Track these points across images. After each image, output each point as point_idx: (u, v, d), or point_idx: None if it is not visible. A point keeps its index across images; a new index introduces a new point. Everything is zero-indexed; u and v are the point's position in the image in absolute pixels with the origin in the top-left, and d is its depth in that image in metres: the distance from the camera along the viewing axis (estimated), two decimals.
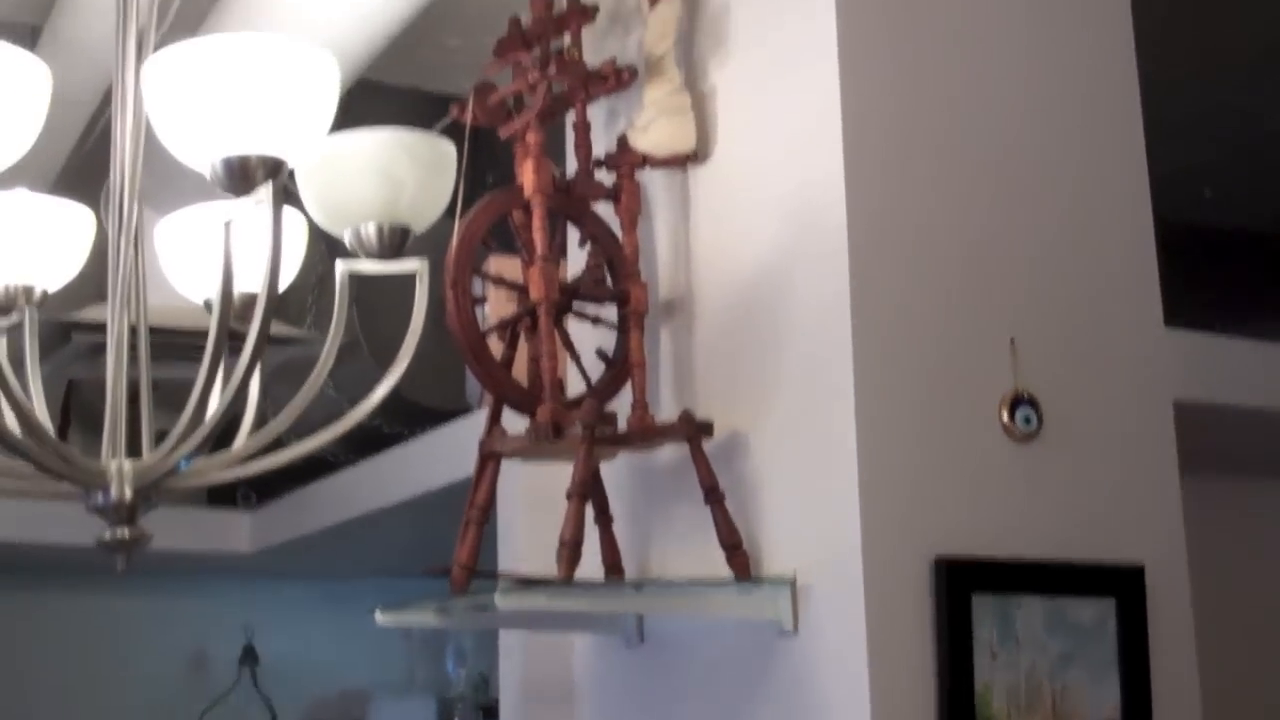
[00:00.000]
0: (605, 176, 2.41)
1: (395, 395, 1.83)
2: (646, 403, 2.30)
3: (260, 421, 1.82)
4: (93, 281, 1.94)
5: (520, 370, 2.34)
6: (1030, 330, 2.22)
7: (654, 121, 2.38)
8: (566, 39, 2.41)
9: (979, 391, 2.17)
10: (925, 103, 2.24)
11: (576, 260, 2.50)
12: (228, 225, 1.38)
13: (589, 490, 2.20)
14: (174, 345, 2.11)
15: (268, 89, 1.30)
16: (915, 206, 2.19)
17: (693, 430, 2.24)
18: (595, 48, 2.48)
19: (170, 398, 1.91)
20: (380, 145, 1.59)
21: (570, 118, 2.43)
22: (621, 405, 2.32)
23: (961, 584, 2.06)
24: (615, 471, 2.42)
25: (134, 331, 1.71)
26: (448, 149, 1.64)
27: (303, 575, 5.77)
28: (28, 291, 1.85)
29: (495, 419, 2.34)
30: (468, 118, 2.28)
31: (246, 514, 5.12)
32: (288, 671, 5.72)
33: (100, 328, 1.80)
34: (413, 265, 1.68)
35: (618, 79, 2.37)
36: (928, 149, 2.23)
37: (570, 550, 2.12)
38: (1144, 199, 2.39)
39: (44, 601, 5.50)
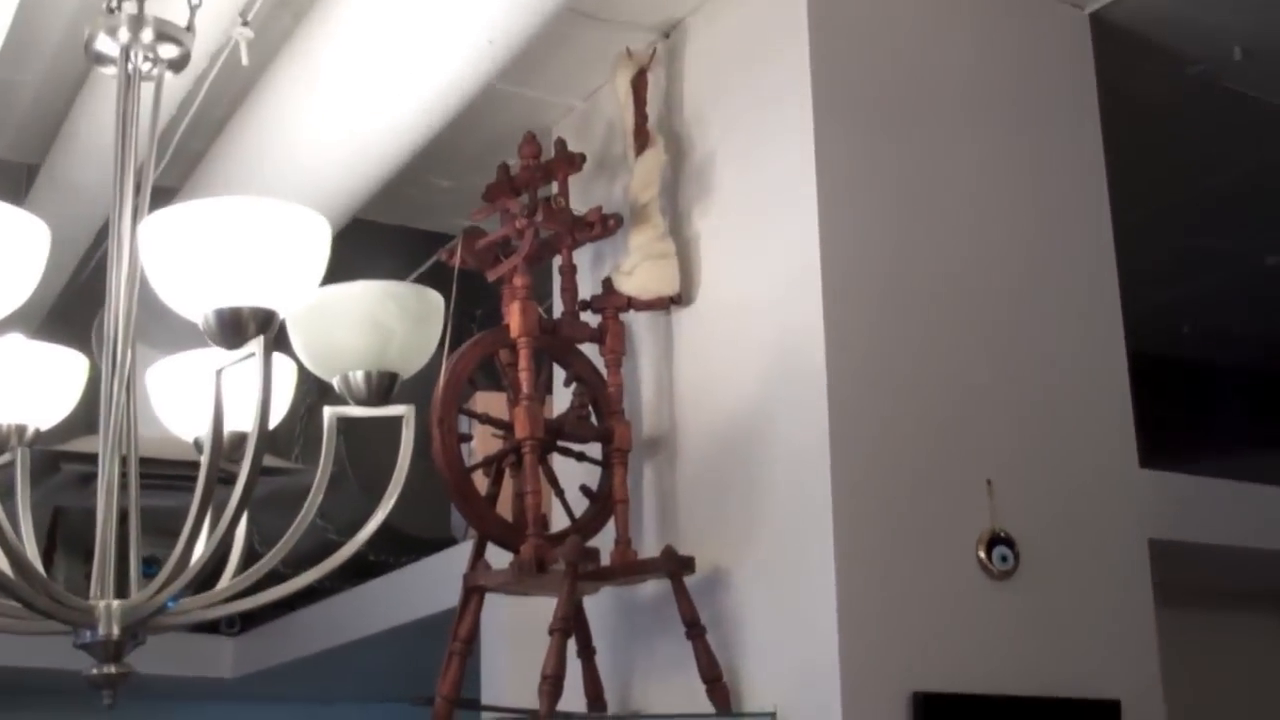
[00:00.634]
0: (591, 318, 2.47)
1: (382, 525, 1.85)
2: (629, 538, 2.34)
3: (247, 551, 1.84)
4: (83, 414, 1.97)
5: (505, 505, 2.38)
6: (1007, 471, 2.27)
7: (639, 266, 2.44)
8: (554, 186, 2.48)
9: (956, 530, 2.21)
10: (905, 248, 2.30)
11: (562, 398, 2.54)
12: (219, 374, 1.42)
13: (571, 625, 2.23)
14: (162, 475, 2.13)
15: (260, 247, 1.35)
16: (894, 349, 2.25)
17: (675, 566, 2.27)
18: (582, 194, 2.55)
19: (156, 523, 1.93)
20: (369, 295, 1.63)
21: (557, 262, 2.49)
22: (605, 540, 2.36)
23: (939, 718, 2.08)
24: (598, 605, 2.45)
25: (124, 461, 1.73)
26: (435, 299, 1.68)
27: (285, 699, 5.72)
28: (20, 431, 1.88)
29: (479, 553, 2.37)
30: (456, 261, 2.34)
31: (229, 640, 5.09)
32: None
33: (89, 458, 1.82)
34: (399, 410, 1.71)
35: (604, 226, 2.44)
36: (906, 293, 2.28)
37: (552, 685, 2.15)
38: (1118, 345, 2.45)
39: None
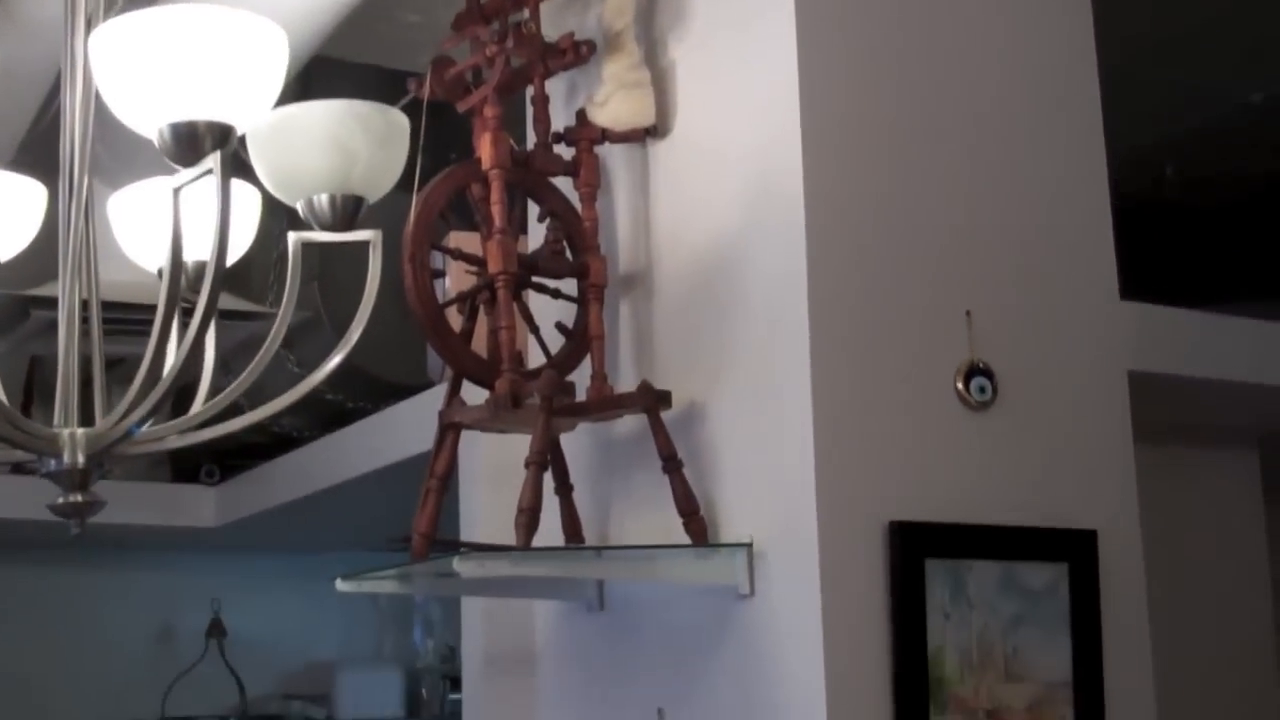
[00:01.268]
0: (564, 151, 2.42)
1: (358, 371, 1.84)
2: (605, 374, 2.32)
3: (217, 393, 1.83)
4: (52, 258, 1.94)
5: (480, 343, 2.36)
6: (986, 302, 2.25)
7: (613, 96, 2.39)
8: (525, 13, 2.42)
9: (935, 361, 2.20)
10: (883, 76, 2.26)
11: (536, 234, 2.51)
12: (176, 191, 1.39)
13: (547, 459, 2.22)
14: (132, 321, 2.11)
15: (215, 57, 1.31)
16: (872, 179, 2.21)
17: (651, 400, 2.26)
18: (554, 22, 2.49)
19: (130, 374, 1.91)
20: (332, 115, 1.60)
21: (529, 92, 2.44)
22: (581, 377, 2.34)
23: (914, 547, 2.09)
24: (575, 442, 2.44)
25: (86, 304, 1.71)
26: (400, 119, 1.64)
27: (269, 548, 5.78)
28: None
29: (455, 391, 2.36)
30: (425, 93, 2.29)
31: (210, 489, 5.13)
32: (255, 644, 5.73)
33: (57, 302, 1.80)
34: (366, 235, 1.69)
35: (576, 54, 2.38)
36: (885, 122, 2.24)
37: (528, 517, 2.14)
38: (1101, 173, 2.41)
39: (8, 576, 5.49)
